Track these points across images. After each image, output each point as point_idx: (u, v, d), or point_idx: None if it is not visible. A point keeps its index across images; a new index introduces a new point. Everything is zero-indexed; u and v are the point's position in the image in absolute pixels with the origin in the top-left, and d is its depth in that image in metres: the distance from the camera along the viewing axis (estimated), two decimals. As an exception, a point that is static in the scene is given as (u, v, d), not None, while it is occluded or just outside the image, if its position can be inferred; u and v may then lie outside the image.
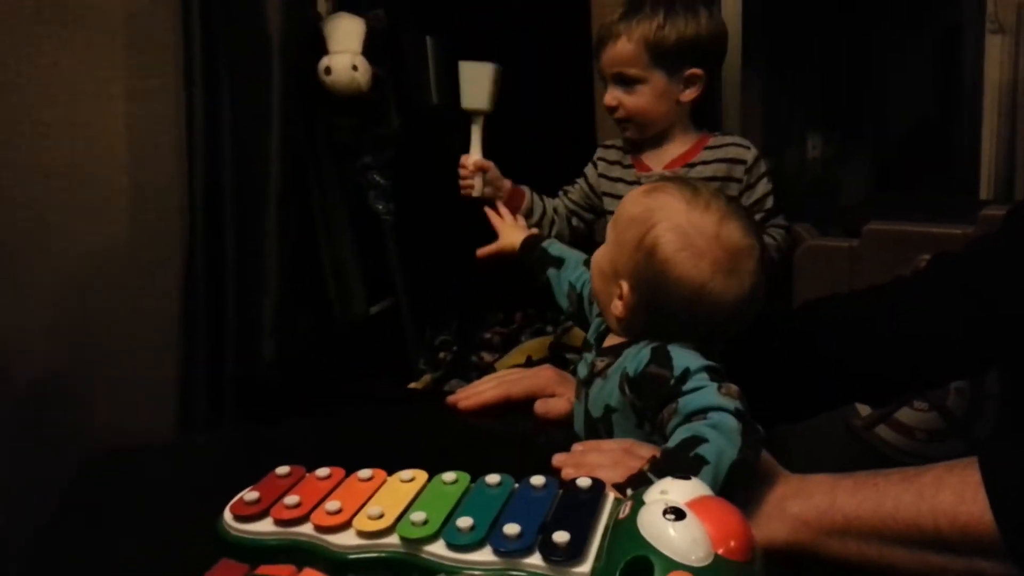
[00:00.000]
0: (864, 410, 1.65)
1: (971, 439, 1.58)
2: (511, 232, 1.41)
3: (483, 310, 2.08)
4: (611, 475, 0.72)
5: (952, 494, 0.64)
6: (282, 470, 0.69)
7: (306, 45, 1.92)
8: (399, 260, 2.04)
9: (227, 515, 0.64)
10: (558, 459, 0.83)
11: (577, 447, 0.85)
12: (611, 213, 1.48)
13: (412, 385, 1.95)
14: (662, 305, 0.83)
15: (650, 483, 0.65)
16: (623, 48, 1.47)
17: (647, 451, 0.79)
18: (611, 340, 0.91)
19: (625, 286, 0.85)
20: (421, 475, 0.66)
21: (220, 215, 1.86)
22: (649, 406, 0.81)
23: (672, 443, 0.74)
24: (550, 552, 0.56)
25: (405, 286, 2.04)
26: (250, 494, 0.65)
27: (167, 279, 1.75)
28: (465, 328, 2.03)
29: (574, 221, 1.68)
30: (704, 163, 1.52)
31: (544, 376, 1.06)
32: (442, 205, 2.20)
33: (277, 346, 1.84)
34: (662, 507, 0.52)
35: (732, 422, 0.73)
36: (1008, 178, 2.22)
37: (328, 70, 1.89)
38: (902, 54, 2.45)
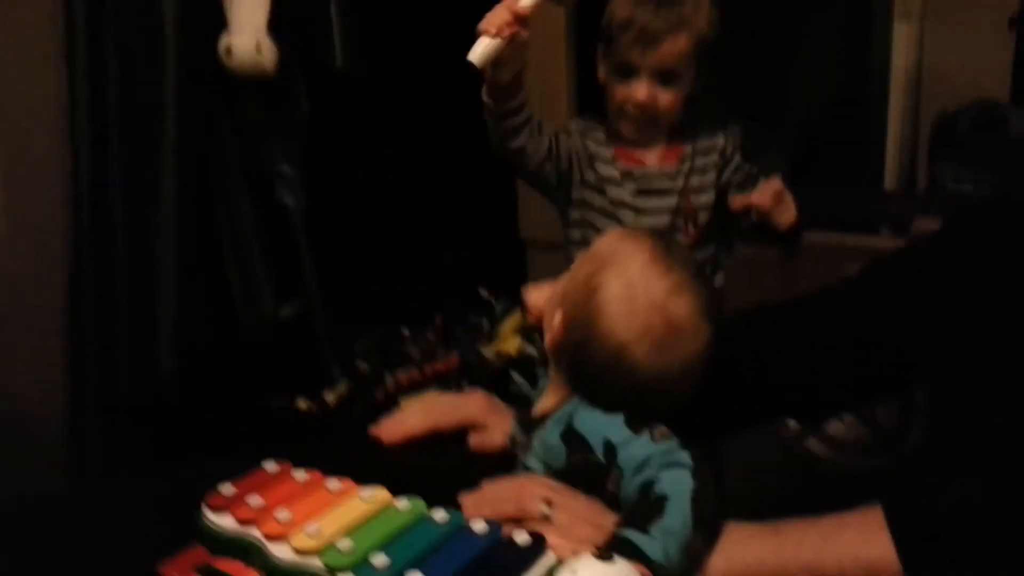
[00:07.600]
0: (794, 422, 1.64)
1: (900, 453, 1.59)
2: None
3: (400, 312, 1.96)
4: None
5: (855, 533, 0.64)
6: (270, 467, 0.72)
7: (204, 19, 1.73)
8: (311, 257, 1.89)
9: (204, 505, 0.68)
10: (465, 501, 0.75)
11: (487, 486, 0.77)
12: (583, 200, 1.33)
13: (326, 393, 1.82)
14: (585, 357, 0.77)
15: (619, 546, 0.63)
16: (680, 44, 1.28)
17: (542, 486, 0.75)
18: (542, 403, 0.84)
19: (558, 317, 0.79)
20: (383, 495, 0.69)
21: (108, 213, 1.67)
22: (593, 489, 0.75)
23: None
24: None
25: (318, 286, 1.90)
26: (228, 488, 0.69)
27: (52, 289, 1.55)
28: (390, 334, 1.90)
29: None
30: (698, 154, 1.38)
31: (474, 404, 0.96)
32: (357, 196, 2.05)
33: (176, 358, 1.69)
34: None
35: (680, 456, 0.70)
36: (911, 166, 2.27)
37: (228, 51, 1.70)
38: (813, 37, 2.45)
